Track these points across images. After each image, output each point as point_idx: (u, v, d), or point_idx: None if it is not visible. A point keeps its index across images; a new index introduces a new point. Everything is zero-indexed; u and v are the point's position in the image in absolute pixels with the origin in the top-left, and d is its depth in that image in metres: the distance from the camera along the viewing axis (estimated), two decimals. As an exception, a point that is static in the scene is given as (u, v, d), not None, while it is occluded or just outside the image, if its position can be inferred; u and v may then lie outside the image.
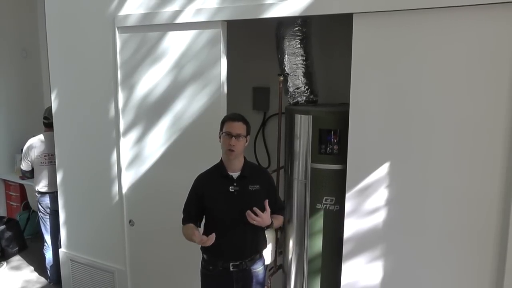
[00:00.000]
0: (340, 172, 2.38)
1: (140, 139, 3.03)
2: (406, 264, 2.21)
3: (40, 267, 4.21)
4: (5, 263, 4.40)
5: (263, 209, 2.26)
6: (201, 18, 2.60)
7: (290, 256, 2.70)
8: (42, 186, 3.85)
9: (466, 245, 2.05)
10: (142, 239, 3.17)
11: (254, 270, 2.32)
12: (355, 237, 2.30)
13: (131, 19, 2.89)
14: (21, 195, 4.86)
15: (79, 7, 3.19)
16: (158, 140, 2.94)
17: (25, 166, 3.88)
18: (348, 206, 2.30)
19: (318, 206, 2.48)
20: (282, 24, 2.61)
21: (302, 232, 2.58)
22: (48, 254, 3.96)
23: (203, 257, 2.36)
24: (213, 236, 2.10)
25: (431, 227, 2.12)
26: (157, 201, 3.03)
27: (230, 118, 2.22)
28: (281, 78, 2.70)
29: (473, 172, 2.00)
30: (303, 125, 2.48)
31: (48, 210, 3.88)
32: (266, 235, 2.43)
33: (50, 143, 3.71)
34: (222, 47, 2.59)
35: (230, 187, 2.22)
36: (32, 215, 4.87)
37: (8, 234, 4.53)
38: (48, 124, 3.79)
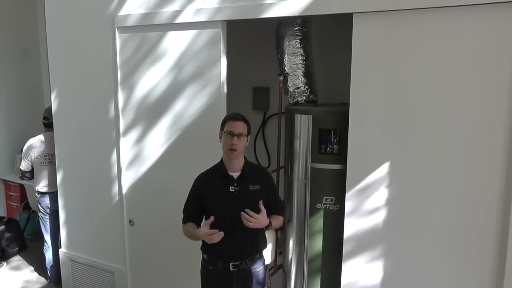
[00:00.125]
0: (340, 172, 2.38)
1: (140, 139, 3.03)
2: (406, 264, 2.21)
3: (40, 267, 4.21)
4: (5, 263, 4.40)
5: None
6: (201, 18, 2.60)
7: (290, 256, 2.70)
8: (42, 186, 3.85)
9: (466, 245, 2.05)
10: (142, 239, 3.17)
11: (254, 270, 2.32)
12: (355, 237, 2.30)
13: (131, 19, 2.89)
14: (21, 195, 4.86)
15: (79, 7, 3.19)
16: (158, 140, 2.94)
17: (25, 166, 3.88)
18: (348, 206, 2.30)
19: (318, 206, 2.48)
20: (282, 24, 2.61)
21: (302, 232, 2.58)
22: (48, 254, 3.96)
23: (203, 257, 2.36)
24: (221, 233, 2.10)
25: (431, 227, 2.12)
26: (157, 201, 3.03)
27: (231, 117, 2.22)
28: (281, 78, 2.70)
29: (473, 172, 2.00)
30: (303, 125, 2.48)
31: (48, 210, 3.88)
32: (266, 235, 2.43)
33: (50, 143, 3.71)
34: (222, 47, 2.59)
35: (230, 187, 2.22)
36: (32, 215, 4.87)
37: (8, 234, 4.53)
38: (48, 124, 3.79)
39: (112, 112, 3.13)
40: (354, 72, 2.20)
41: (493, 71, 1.91)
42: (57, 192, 3.64)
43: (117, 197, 3.23)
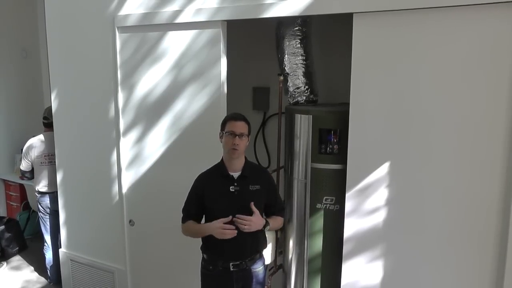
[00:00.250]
0: (340, 171, 2.38)
1: (140, 139, 3.03)
2: (406, 264, 2.21)
3: (40, 267, 4.21)
4: (5, 263, 4.40)
5: (262, 210, 2.27)
6: (201, 18, 2.60)
7: (290, 256, 2.70)
8: (42, 186, 3.85)
9: (466, 245, 2.05)
10: (142, 239, 3.17)
11: (254, 270, 2.32)
12: (355, 237, 2.30)
13: (131, 19, 2.89)
14: (21, 195, 4.86)
15: (79, 7, 3.19)
16: (158, 140, 2.94)
17: (24, 166, 3.88)
18: (348, 205, 2.30)
19: (318, 206, 2.48)
20: (282, 23, 2.61)
21: (302, 232, 2.58)
22: (48, 254, 3.96)
23: (203, 257, 2.36)
24: (235, 232, 2.10)
25: (431, 227, 2.12)
26: (157, 201, 3.03)
27: (232, 117, 2.22)
28: (281, 78, 2.70)
29: (473, 172, 2.00)
30: (303, 125, 2.48)
31: (48, 210, 3.88)
32: (266, 235, 2.43)
33: (50, 143, 3.71)
34: (222, 47, 2.59)
35: (231, 187, 2.22)
36: (32, 215, 4.87)
37: (8, 234, 4.53)
38: (47, 124, 3.79)
39: (112, 112, 3.13)
40: (354, 72, 2.20)
41: (493, 71, 1.91)
42: (57, 192, 3.64)
43: (117, 197, 3.23)
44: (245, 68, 3.28)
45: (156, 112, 2.90)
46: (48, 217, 3.90)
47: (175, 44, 2.75)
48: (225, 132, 2.19)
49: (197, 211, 2.29)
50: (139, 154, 3.06)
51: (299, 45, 2.59)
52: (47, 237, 3.94)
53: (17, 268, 4.35)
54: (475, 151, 1.98)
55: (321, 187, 2.46)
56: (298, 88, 2.65)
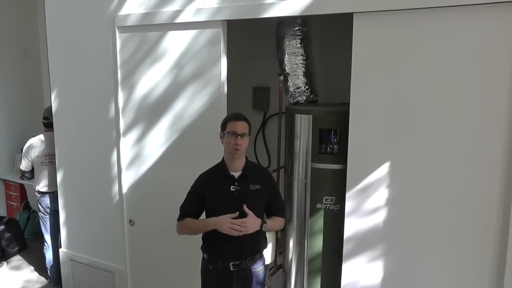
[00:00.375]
0: (340, 171, 2.38)
1: (140, 139, 3.03)
2: (406, 264, 2.21)
3: (40, 267, 4.21)
4: (5, 263, 4.40)
5: (262, 210, 2.27)
6: (201, 17, 2.60)
7: (290, 256, 2.70)
8: (42, 186, 3.85)
9: (467, 245, 2.05)
10: (142, 239, 3.17)
11: (254, 270, 2.32)
12: (356, 237, 2.30)
13: (131, 18, 2.89)
14: (21, 195, 4.86)
15: (79, 7, 3.19)
16: (158, 140, 2.94)
17: (24, 165, 3.88)
18: (348, 205, 2.30)
19: (318, 205, 2.48)
20: (282, 23, 2.61)
21: (302, 232, 2.58)
22: (48, 254, 3.96)
23: (203, 257, 2.36)
24: (241, 231, 2.11)
25: (431, 227, 2.12)
26: (157, 201, 3.03)
27: (233, 117, 2.22)
28: (281, 77, 2.70)
29: (474, 171, 1.99)
30: (303, 124, 2.48)
31: (48, 210, 3.88)
32: (267, 235, 2.43)
33: (50, 143, 3.71)
34: (222, 46, 2.59)
35: (231, 187, 2.22)
36: (32, 215, 4.87)
37: (8, 234, 4.53)
38: (48, 124, 3.79)
39: (112, 112, 3.13)
40: (354, 72, 2.20)
41: (493, 71, 1.90)
42: (57, 192, 3.64)
43: (117, 197, 3.23)
44: (245, 68, 3.28)
45: (156, 112, 2.90)
46: (48, 217, 3.90)
47: (175, 44, 2.75)
48: (227, 133, 2.19)
49: (197, 210, 2.29)
50: (139, 154, 3.06)
51: (299, 45, 2.59)
52: (47, 237, 3.94)
53: (17, 268, 4.35)
54: (475, 150, 1.98)
55: (321, 187, 2.46)
56: (298, 88, 2.65)
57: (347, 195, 2.29)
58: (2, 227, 4.51)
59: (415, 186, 2.13)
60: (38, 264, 4.27)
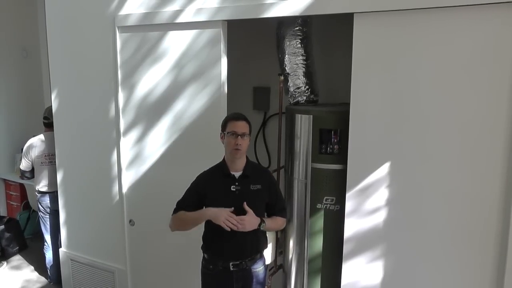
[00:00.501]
0: (340, 172, 2.38)
1: (140, 139, 3.03)
2: (406, 264, 2.21)
3: (40, 266, 4.21)
4: (5, 263, 4.40)
5: (263, 210, 2.27)
6: (202, 17, 2.60)
7: (290, 256, 2.70)
8: (42, 185, 3.85)
9: (467, 245, 2.05)
10: (142, 239, 3.17)
11: (255, 269, 2.32)
12: (356, 237, 2.30)
13: (131, 18, 2.89)
14: (21, 194, 4.86)
15: (79, 6, 3.19)
16: (158, 140, 2.94)
17: (24, 165, 3.87)
18: (349, 206, 2.30)
19: (319, 206, 2.48)
20: (282, 23, 2.61)
21: (302, 232, 2.58)
22: (48, 254, 3.96)
23: (203, 257, 2.36)
24: (241, 225, 2.10)
25: (432, 227, 2.12)
26: (157, 201, 3.03)
27: (233, 117, 2.22)
28: (282, 78, 2.70)
29: (474, 171, 2.00)
30: (304, 125, 2.48)
31: (48, 210, 3.88)
32: (267, 235, 2.43)
33: (50, 143, 3.71)
34: (222, 46, 2.59)
35: (232, 187, 2.22)
36: (32, 214, 4.87)
37: (8, 233, 4.53)
38: (48, 124, 3.79)
39: (112, 112, 3.13)
40: (354, 72, 2.20)
41: (493, 71, 1.91)
42: (57, 191, 3.64)
43: (117, 197, 3.23)
44: (246, 68, 3.28)
45: (156, 112, 2.90)
46: (48, 216, 3.90)
47: (175, 44, 2.75)
48: (227, 133, 2.19)
49: (195, 207, 2.27)
50: (139, 154, 3.06)
51: (299, 45, 2.59)
52: (47, 237, 3.94)
53: (17, 267, 4.35)
54: (475, 150, 1.98)
55: (322, 187, 2.46)
56: (298, 88, 2.65)
57: (347, 195, 2.29)
58: (2, 227, 4.51)
59: (415, 186, 2.13)
60: (38, 264, 4.27)
